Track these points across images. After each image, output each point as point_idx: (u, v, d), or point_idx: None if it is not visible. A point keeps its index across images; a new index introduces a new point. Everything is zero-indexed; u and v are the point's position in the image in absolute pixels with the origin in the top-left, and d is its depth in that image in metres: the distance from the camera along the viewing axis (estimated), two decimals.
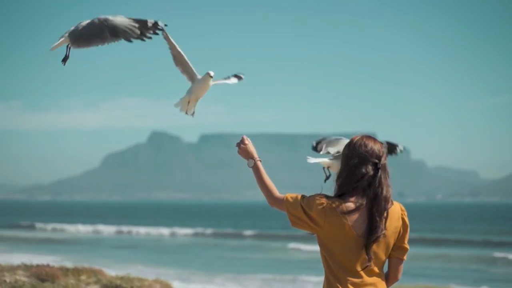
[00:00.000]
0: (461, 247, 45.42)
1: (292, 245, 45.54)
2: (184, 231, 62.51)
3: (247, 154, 4.69)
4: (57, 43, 5.89)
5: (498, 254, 39.35)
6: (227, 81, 6.40)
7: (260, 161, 4.67)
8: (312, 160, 6.09)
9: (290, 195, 4.44)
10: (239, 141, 4.74)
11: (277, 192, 4.53)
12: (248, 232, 60.72)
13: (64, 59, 5.86)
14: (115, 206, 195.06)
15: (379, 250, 4.33)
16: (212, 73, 6.02)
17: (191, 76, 6.15)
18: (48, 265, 12.87)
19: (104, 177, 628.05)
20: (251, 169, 4.66)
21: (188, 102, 6.20)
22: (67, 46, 5.86)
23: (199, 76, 6.08)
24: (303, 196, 4.41)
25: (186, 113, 6.22)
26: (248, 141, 4.73)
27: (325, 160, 6.12)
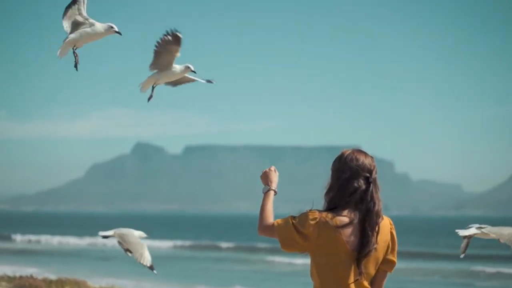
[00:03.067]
0: (444, 260, 45.47)
1: (271, 258, 45.41)
2: (164, 243, 62.06)
3: (267, 180, 4.71)
4: (62, 49, 5.89)
5: (481, 268, 39.41)
6: (199, 79, 6.37)
7: (276, 192, 4.68)
8: (462, 232, 7.16)
9: (278, 220, 4.46)
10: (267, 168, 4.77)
11: (270, 221, 4.52)
12: (227, 245, 60.52)
13: (75, 65, 5.94)
14: (99, 216, 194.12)
15: (369, 264, 4.35)
16: (192, 67, 6.07)
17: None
18: (31, 276, 12.81)
19: (90, 188, 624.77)
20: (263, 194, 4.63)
21: (153, 84, 6.16)
22: (74, 51, 5.90)
23: (176, 66, 6.08)
24: (293, 217, 4.42)
25: (142, 90, 6.20)
26: (274, 169, 4.76)
27: (474, 231, 7.09)
